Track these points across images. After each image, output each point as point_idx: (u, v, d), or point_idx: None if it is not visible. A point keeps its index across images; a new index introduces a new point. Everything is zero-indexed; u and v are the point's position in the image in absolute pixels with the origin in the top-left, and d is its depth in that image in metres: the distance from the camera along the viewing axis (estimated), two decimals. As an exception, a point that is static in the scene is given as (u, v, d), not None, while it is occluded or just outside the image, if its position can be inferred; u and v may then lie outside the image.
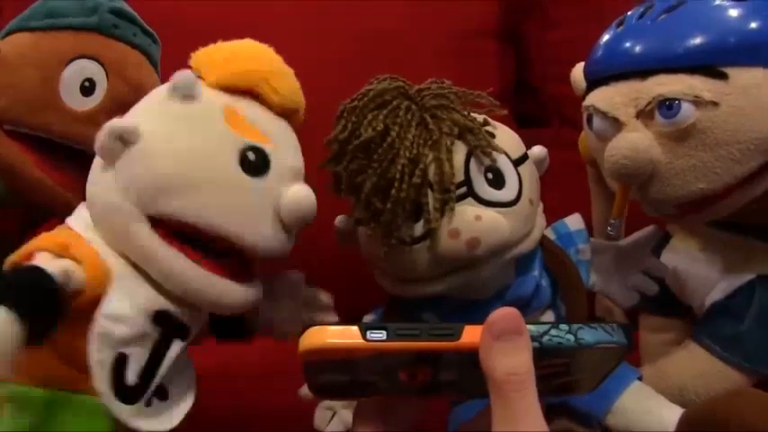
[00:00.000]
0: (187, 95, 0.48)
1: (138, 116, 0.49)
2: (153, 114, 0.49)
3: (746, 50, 0.50)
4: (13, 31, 0.59)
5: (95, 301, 0.45)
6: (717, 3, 0.53)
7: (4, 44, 0.57)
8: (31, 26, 0.58)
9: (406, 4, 0.92)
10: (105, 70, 0.58)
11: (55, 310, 0.43)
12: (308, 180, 0.52)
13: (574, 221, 0.58)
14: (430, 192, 0.49)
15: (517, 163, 0.53)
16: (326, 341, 0.35)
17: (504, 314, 0.34)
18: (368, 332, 0.35)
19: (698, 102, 0.50)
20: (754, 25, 0.51)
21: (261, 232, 0.48)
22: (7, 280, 0.43)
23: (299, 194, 0.49)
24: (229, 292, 0.49)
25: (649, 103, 0.51)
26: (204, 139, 0.48)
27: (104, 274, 0.46)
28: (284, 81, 0.52)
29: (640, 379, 0.56)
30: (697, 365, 0.61)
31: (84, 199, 0.50)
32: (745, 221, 0.59)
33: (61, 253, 0.45)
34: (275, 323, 0.57)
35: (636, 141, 0.52)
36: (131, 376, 0.46)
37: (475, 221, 0.49)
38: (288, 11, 0.92)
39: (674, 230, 0.65)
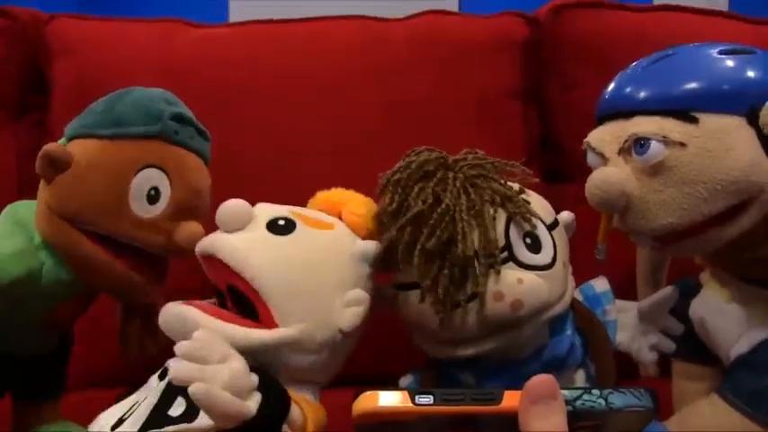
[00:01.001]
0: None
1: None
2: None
3: (718, 99, 0.56)
4: (79, 137, 0.63)
5: None
6: (700, 56, 0.59)
7: (73, 149, 0.61)
8: (98, 134, 0.62)
9: (433, 71, 0.97)
10: (169, 177, 0.62)
11: None
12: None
13: (600, 283, 0.63)
14: (475, 258, 0.53)
15: (550, 228, 0.58)
16: (379, 405, 0.38)
17: (540, 381, 0.37)
18: (417, 397, 0.38)
19: (666, 141, 0.55)
20: (727, 76, 0.56)
21: None
22: None
23: None
24: None
25: (626, 140, 0.57)
26: None
27: None
28: None
29: None
30: (720, 419, 0.62)
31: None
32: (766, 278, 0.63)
33: None
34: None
35: (609, 174, 0.57)
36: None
37: (517, 284, 0.53)
38: (327, 77, 0.97)
39: (705, 281, 0.68)
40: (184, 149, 0.64)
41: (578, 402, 0.38)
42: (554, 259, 0.56)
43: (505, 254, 0.55)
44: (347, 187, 0.64)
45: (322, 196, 0.64)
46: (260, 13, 1.06)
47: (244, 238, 0.56)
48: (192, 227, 0.61)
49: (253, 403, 0.49)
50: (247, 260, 0.55)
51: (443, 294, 0.54)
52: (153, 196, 0.61)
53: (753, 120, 0.55)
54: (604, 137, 0.60)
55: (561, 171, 0.98)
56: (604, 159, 0.59)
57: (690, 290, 0.68)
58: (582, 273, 0.64)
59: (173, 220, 0.61)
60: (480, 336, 0.55)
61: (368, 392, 0.38)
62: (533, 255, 0.55)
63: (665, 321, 0.65)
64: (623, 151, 0.58)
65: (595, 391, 0.38)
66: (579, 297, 0.62)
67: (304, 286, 0.56)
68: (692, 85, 0.56)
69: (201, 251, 0.58)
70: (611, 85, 0.61)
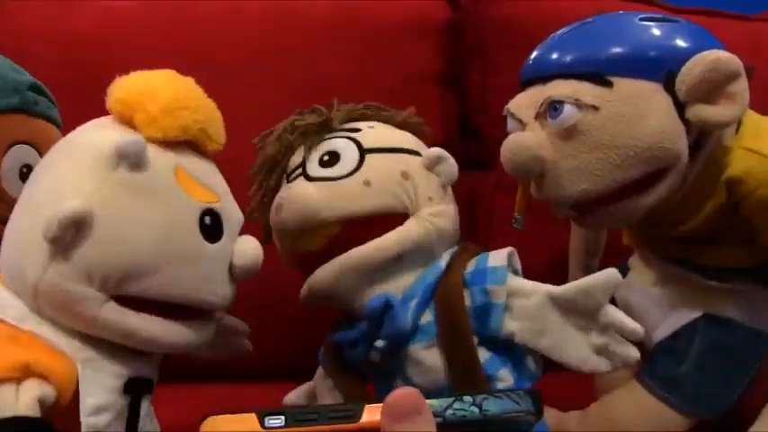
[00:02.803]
0: (137, 164, 0.47)
1: (82, 194, 0.46)
2: (102, 191, 0.46)
3: (634, 64, 0.56)
4: None
5: (70, 398, 0.44)
6: (621, 21, 0.60)
7: None
8: None
9: (351, 53, 0.96)
10: (39, 153, 0.59)
11: None
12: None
13: (496, 257, 0.56)
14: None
15: (369, 151, 0.57)
16: (224, 430, 0.37)
17: (402, 394, 0.35)
18: (266, 419, 0.36)
19: (579, 104, 0.56)
20: (645, 41, 0.57)
21: (220, 293, 0.51)
22: None
23: (250, 252, 0.52)
24: (198, 335, 0.51)
25: (542, 104, 0.58)
26: (166, 213, 0.48)
27: (70, 371, 0.44)
28: (218, 126, 0.53)
29: None
30: (639, 405, 0.64)
31: None
32: (693, 260, 0.64)
33: (22, 376, 0.42)
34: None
35: (523, 139, 0.58)
36: None
37: (285, 192, 0.58)
38: (234, 58, 0.94)
39: (633, 264, 0.70)
40: (45, 121, 0.61)
41: (448, 412, 0.37)
42: (348, 175, 0.56)
43: (299, 170, 0.58)
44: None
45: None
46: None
47: None
48: None
49: None
50: None
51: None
52: (25, 174, 0.57)
53: (669, 86, 0.55)
54: (522, 102, 0.60)
55: (481, 159, 0.98)
56: (522, 125, 0.60)
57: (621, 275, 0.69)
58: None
59: None
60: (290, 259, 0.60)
61: (214, 417, 0.37)
62: (324, 168, 0.57)
63: (605, 317, 0.51)
64: (539, 116, 0.58)
65: (468, 398, 0.37)
66: (470, 268, 0.57)
67: None
68: (609, 49, 0.57)
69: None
70: (534, 52, 0.62)
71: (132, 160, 0.46)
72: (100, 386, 0.47)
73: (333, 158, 0.57)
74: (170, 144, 0.49)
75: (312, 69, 0.94)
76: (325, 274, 0.55)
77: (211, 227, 0.49)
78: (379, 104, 0.64)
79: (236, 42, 0.95)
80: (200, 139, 0.51)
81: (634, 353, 0.51)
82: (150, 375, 0.51)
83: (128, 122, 0.49)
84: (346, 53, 0.96)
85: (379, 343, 0.55)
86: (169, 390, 0.55)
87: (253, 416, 0.36)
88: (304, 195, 0.55)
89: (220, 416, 0.37)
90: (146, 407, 0.50)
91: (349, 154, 0.57)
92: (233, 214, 0.52)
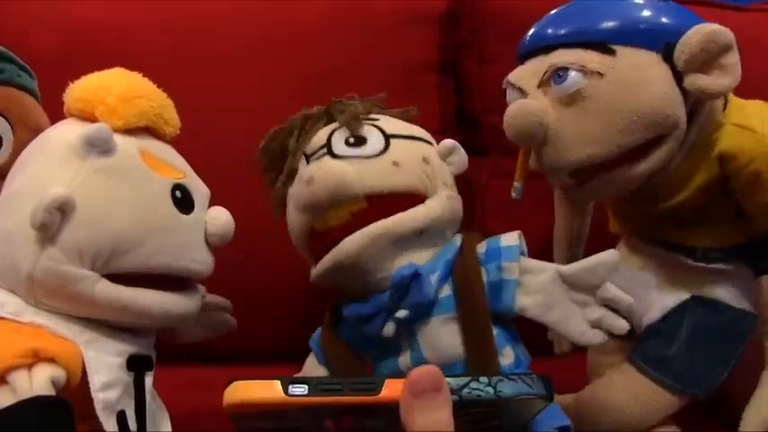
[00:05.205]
0: (105, 150, 0.51)
1: (61, 182, 0.49)
2: (79, 178, 0.50)
3: (636, 34, 0.59)
4: None
5: (79, 380, 0.48)
6: None
7: None
8: None
9: (349, 43, 0.98)
10: (9, 122, 0.60)
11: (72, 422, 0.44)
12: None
13: (508, 238, 0.60)
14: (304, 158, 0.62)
15: (393, 136, 0.60)
16: (249, 396, 0.38)
17: (423, 372, 0.37)
18: (290, 387, 0.38)
19: (584, 71, 0.58)
20: (644, 14, 0.60)
21: (201, 259, 0.55)
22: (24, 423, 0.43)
23: (222, 220, 0.56)
24: (188, 303, 0.55)
25: (546, 72, 0.60)
26: (141, 190, 0.52)
27: (74, 354, 0.48)
28: (171, 111, 0.57)
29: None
30: (632, 387, 0.66)
31: None
32: (679, 241, 0.66)
33: (32, 361, 0.46)
34: (178, 331, 0.63)
35: (527, 104, 0.59)
36: (132, 425, 0.50)
37: (315, 167, 0.59)
38: (233, 48, 0.96)
39: (619, 249, 0.71)
40: (14, 89, 0.62)
41: (465, 391, 0.38)
42: (377, 155, 0.59)
43: (323, 150, 0.60)
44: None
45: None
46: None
47: None
48: None
49: None
50: None
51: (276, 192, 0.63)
52: None
53: (668, 56, 0.58)
54: (524, 73, 0.62)
55: (477, 145, 1.00)
56: (524, 94, 0.61)
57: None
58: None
59: None
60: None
61: (238, 382, 0.38)
62: (351, 148, 0.59)
63: (606, 292, 0.57)
64: (543, 84, 0.60)
65: (483, 379, 0.39)
66: (482, 249, 0.60)
67: None
68: (611, 20, 0.59)
69: None
70: (532, 28, 0.65)
71: (101, 147, 0.51)
72: (104, 364, 0.49)
73: (359, 140, 0.59)
74: (131, 131, 0.54)
75: (311, 59, 0.96)
76: (353, 242, 0.57)
77: (183, 199, 0.54)
78: (375, 101, 0.66)
79: (235, 32, 0.96)
80: (157, 123, 0.55)
81: (625, 324, 0.57)
82: (148, 352, 0.54)
83: (90, 118, 0.53)
84: (345, 43, 0.97)
85: (401, 313, 0.56)
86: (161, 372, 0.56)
87: (277, 383, 0.38)
88: (337, 169, 0.57)
89: (245, 381, 0.38)
90: (149, 383, 0.52)
91: (375, 137, 0.60)
92: (200, 188, 0.57)
